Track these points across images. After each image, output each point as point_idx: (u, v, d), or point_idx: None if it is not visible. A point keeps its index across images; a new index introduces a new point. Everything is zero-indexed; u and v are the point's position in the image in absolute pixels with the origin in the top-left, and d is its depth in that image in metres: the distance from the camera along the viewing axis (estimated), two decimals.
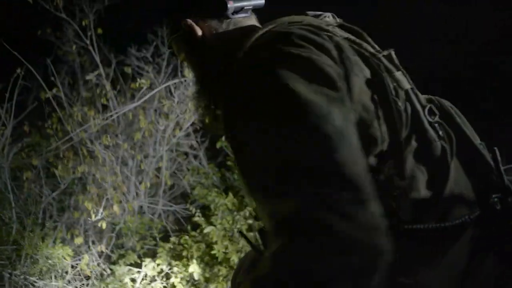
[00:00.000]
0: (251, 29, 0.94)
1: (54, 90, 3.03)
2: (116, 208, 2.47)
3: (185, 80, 2.71)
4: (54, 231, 2.79)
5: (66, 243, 2.75)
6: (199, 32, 0.96)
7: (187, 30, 0.96)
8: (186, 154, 3.48)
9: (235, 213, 2.85)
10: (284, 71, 0.75)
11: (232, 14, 0.95)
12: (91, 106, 2.91)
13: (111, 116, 2.53)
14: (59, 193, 3.07)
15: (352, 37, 0.91)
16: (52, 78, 3.14)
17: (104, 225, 2.52)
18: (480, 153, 0.89)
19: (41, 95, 3.10)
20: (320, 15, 0.99)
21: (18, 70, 3.04)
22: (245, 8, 0.96)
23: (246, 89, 0.78)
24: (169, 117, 2.72)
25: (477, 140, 0.92)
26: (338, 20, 1.00)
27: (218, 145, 3.26)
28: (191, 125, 3.07)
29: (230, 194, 3.16)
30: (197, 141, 3.36)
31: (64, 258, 2.62)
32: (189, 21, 0.97)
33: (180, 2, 1.02)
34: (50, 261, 2.57)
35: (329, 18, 0.99)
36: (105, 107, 3.06)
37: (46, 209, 2.95)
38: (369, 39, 0.95)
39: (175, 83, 2.64)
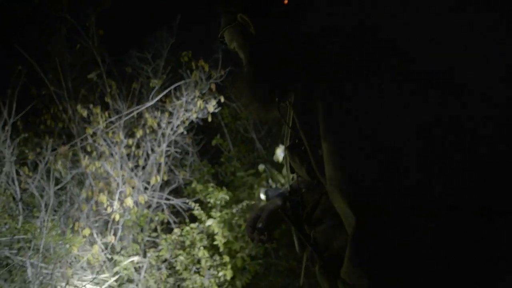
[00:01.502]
0: None
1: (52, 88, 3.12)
2: (129, 201, 2.62)
3: (188, 82, 2.91)
4: (59, 223, 2.90)
5: (72, 234, 2.87)
6: (253, 26, 0.97)
7: (242, 23, 0.97)
8: (181, 151, 3.67)
9: (233, 205, 3.07)
10: None
11: None
12: (95, 104, 3.03)
13: (128, 114, 2.68)
14: (60, 188, 3.17)
15: None
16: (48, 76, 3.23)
17: (117, 217, 2.67)
18: None
19: (42, 91, 3.19)
20: None
21: (19, 67, 3.12)
22: None
23: None
24: (174, 116, 2.90)
25: None
26: None
27: (213, 142, 3.47)
28: (189, 124, 3.26)
29: (225, 189, 3.39)
30: (192, 139, 3.55)
31: (73, 249, 2.75)
32: (245, 16, 0.97)
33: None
34: (59, 251, 2.68)
35: None
36: (106, 105, 3.19)
37: (47, 203, 3.05)
38: None
39: (183, 83, 2.82)
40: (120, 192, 2.82)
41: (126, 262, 2.90)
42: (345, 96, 0.76)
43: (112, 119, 2.79)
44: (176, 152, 3.44)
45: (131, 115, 2.71)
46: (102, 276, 2.76)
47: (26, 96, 3.49)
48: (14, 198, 2.94)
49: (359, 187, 0.73)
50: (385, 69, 0.75)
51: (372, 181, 0.71)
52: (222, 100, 3.08)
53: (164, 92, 2.85)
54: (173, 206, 3.45)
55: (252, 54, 0.99)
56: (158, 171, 3.18)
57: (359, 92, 0.75)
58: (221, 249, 2.89)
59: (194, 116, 2.95)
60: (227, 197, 3.23)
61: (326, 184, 0.79)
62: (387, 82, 0.74)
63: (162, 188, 3.44)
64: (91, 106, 2.99)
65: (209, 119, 3.07)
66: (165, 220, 3.28)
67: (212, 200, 3.09)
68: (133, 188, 2.86)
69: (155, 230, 3.12)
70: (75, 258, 2.87)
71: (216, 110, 3.22)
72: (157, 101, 2.91)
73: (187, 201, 3.19)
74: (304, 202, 1.00)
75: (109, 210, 2.68)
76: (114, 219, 2.91)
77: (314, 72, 0.81)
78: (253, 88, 0.96)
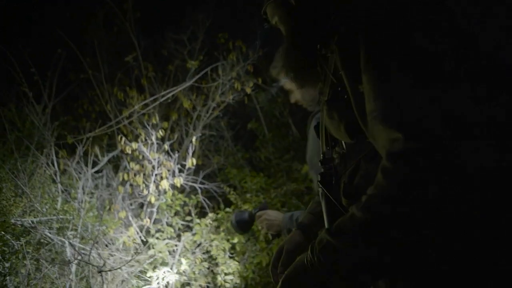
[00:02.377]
0: None
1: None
2: (165, 183, 2.60)
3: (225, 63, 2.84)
4: (96, 205, 2.93)
5: (108, 216, 2.89)
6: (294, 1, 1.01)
7: None
8: (213, 135, 3.63)
9: (271, 190, 3.00)
10: None
11: None
12: (131, 87, 3.02)
13: (164, 96, 2.64)
14: (97, 170, 3.21)
15: None
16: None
17: (152, 200, 2.65)
18: None
19: (80, 75, 3.21)
20: None
21: (59, 50, 3.14)
22: None
23: None
24: (210, 98, 2.85)
25: None
26: None
27: (248, 126, 3.41)
28: (224, 107, 3.20)
29: (261, 174, 3.33)
30: (227, 123, 3.50)
31: (109, 230, 2.77)
32: None
33: None
34: (96, 232, 2.71)
35: None
36: (141, 88, 3.18)
37: (84, 185, 3.09)
38: None
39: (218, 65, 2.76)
40: (156, 175, 2.80)
41: (160, 245, 2.89)
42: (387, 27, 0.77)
43: (147, 101, 2.76)
44: (211, 136, 3.40)
45: (167, 97, 2.67)
46: (137, 258, 2.77)
47: (65, 80, 3.54)
48: (53, 180, 2.99)
49: (403, 111, 0.71)
50: None
51: (419, 107, 0.70)
52: (260, 81, 2.99)
53: (200, 74, 2.79)
54: (207, 191, 3.42)
55: (293, 25, 1.01)
56: (193, 155, 3.14)
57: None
58: (257, 235, 2.83)
59: (230, 97, 2.88)
60: (263, 182, 3.16)
61: (367, 129, 0.77)
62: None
63: (196, 172, 3.41)
64: (127, 89, 2.98)
65: (246, 101, 3.00)
66: (200, 205, 3.25)
67: (247, 185, 3.03)
68: (168, 171, 2.83)
69: (189, 214, 3.10)
70: (111, 240, 2.89)
71: (253, 92, 3.15)
72: (193, 83, 2.86)
73: (221, 185, 3.15)
74: (338, 171, 0.95)
75: (144, 192, 2.67)
76: (149, 202, 2.90)
77: (357, 15, 0.83)
78: (294, 37, 1.00)
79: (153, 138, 2.69)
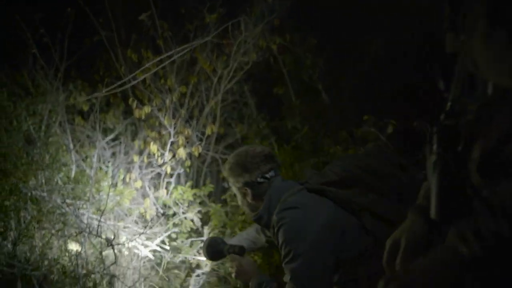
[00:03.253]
0: None
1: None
2: (182, 152, 2.38)
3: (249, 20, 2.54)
4: (111, 174, 2.76)
5: (123, 186, 2.72)
6: None
7: None
8: (236, 101, 3.37)
9: (295, 164, 2.74)
10: None
11: None
12: (147, 48, 2.79)
13: (179, 52, 2.39)
14: (113, 139, 3.03)
15: None
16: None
17: (168, 169, 2.45)
18: None
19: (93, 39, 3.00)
20: None
21: (69, 9, 2.93)
22: None
23: None
24: (232, 58, 2.57)
25: None
26: None
27: (274, 91, 3.12)
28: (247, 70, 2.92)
29: (285, 146, 3.06)
30: (250, 89, 3.23)
31: (124, 201, 2.60)
32: None
33: None
34: (109, 202, 2.54)
35: None
36: (158, 49, 2.94)
37: (100, 155, 2.92)
38: None
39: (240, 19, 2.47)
40: (172, 143, 2.58)
41: (178, 217, 2.71)
42: None
43: (161, 57, 2.51)
44: (233, 102, 3.15)
45: (183, 53, 2.41)
46: (155, 231, 2.59)
47: (78, 44, 3.35)
48: (67, 148, 2.83)
49: None
50: None
51: None
52: (287, 39, 2.68)
53: (220, 29, 2.50)
54: None
55: None
56: (213, 122, 2.90)
57: None
58: None
59: (254, 57, 2.59)
60: (288, 155, 2.90)
61: None
62: None
63: (217, 142, 3.18)
64: (142, 50, 2.75)
65: (271, 62, 2.71)
66: (221, 176, 3.03)
67: None
68: (186, 139, 2.61)
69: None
70: (127, 211, 2.73)
71: (280, 56, 2.85)
72: (213, 43, 2.58)
73: None
74: (472, 132, 0.63)
75: (159, 161, 2.46)
76: (166, 173, 2.71)
77: None
78: None
79: (168, 101, 2.46)
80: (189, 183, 2.66)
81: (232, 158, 1.68)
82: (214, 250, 1.75)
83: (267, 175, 1.60)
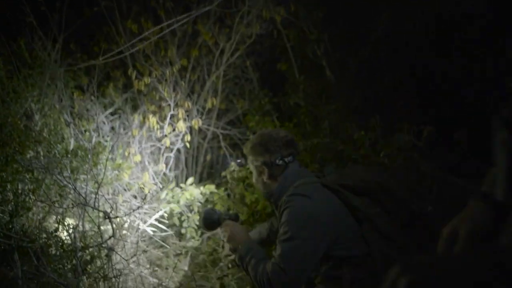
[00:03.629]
0: None
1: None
2: (181, 125, 2.32)
3: None
4: (110, 148, 2.71)
5: (122, 160, 2.67)
6: None
7: None
8: (238, 77, 3.29)
9: (299, 143, 2.68)
10: None
11: None
12: (148, 19, 2.70)
13: (180, 21, 2.30)
14: (112, 113, 2.97)
15: None
16: None
17: (168, 143, 2.40)
18: None
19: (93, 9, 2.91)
20: None
21: None
22: None
23: None
24: (234, 30, 2.48)
25: None
26: None
27: (278, 67, 3.04)
28: (250, 44, 2.83)
29: (287, 124, 3.00)
30: (253, 64, 3.14)
31: (123, 175, 2.55)
32: None
33: None
34: (108, 176, 2.50)
35: None
36: (159, 20, 2.85)
37: (99, 128, 2.87)
38: None
39: None
40: (172, 116, 2.52)
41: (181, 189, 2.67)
42: None
43: (161, 26, 2.42)
44: (235, 77, 3.07)
45: (184, 21, 2.32)
46: (153, 205, 2.56)
47: (78, 14, 3.26)
48: (66, 121, 2.78)
49: None
50: None
51: None
52: (292, 9, 2.58)
53: None
54: (231, 138, 3.14)
55: None
56: (215, 96, 2.84)
57: None
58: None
59: (257, 29, 2.50)
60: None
61: None
62: None
63: (218, 118, 3.13)
64: (142, 21, 2.66)
65: (275, 35, 2.62)
66: (222, 152, 2.98)
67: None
68: (186, 112, 2.55)
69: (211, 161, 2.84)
70: (126, 185, 2.69)
71: (285, 31, 2.76)
72: (216, 15, 2.49)
73: (245, 131, 2.85)
74: None
75: (159, 134, 2.41)
76: (166, 147, 2.66)
77: None
78: None
79: (168, 72, 2.38)
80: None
81: (256, 138, 1.76)
82: (210, 220, 1.82)
83: (286, 159, 1.69)
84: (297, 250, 1.51)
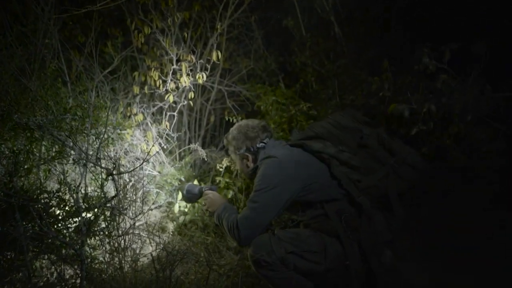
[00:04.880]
0: None
1: None
2: (185, 79, 2.21)
3: None
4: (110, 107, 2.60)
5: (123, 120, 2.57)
6: None
7: None
8: (242, 34, 3.15)
9: (301, 103, 2.58)
10: None
11: None
12: None
13: None
14: (111, 71, 2.85)
15: None
16: None
17: (171, 99, 2.29)
18: None
19: None
20: None
21: None
22: None
23: None
24: None
25: None
26: None
27: (284, 23, 2.90)
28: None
29: (282, 87, 2.88)
30: (257, 20, 3.00)
31: (125, 135, 2.46)
32: None
33: None
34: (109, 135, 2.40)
35: None
36: None
37: (99, 89, 2.75)
38: None
39: None
40: (175, 72, 2.41)
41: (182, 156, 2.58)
42: None
43: None
44: (239, 35, 2.93)
45: None
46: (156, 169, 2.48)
47: None
48: (64, 82, 2.67)
49: None
50: None
51: None
52: None
53: None
54: (235, 100, 3.03)
55: None
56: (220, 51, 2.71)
57: None
58: None
59: None
60: (283, 100, 2.73)
61: None
62: None
63: (222, 76, 3.01)
64: None
65: None
66: (227, 111, 2.88)
67: (263, 107, 2.61)
68: (190, 67, 2.43)
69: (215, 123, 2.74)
70: (128, 147, 2.60)
71: None
72: None
73: (250, 93, 2.74)
74: None
75: (161, 89, 2.29)
76: (169, 106, 2.55)
77: None
78: None
79: (169, 21, 2.25)
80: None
81: (235, 129, 1.95)
82: (191, 194, 2.04)
83: (265, 141, 1.91)
84: (265, 196, 1.69)
